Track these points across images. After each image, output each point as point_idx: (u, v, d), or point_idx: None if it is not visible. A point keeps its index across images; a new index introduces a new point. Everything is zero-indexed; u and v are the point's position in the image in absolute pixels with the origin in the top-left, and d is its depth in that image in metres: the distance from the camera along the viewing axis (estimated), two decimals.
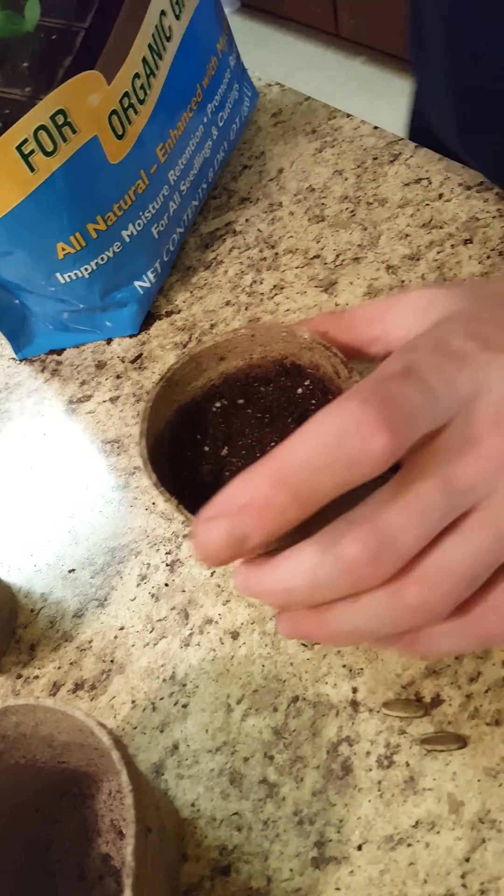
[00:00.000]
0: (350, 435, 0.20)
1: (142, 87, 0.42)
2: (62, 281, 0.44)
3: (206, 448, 0.33)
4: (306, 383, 0.33)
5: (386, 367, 0.23)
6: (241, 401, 0.34)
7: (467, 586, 0.23)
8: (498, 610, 0.23)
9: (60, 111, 0.37)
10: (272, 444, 0.32)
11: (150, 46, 0.42)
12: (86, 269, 0.44)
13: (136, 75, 0.41)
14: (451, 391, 0.22)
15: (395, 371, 0.22)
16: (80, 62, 0.37)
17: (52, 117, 0.37)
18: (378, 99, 2.07)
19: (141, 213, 0.45)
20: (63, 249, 0.42)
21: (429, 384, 0.22)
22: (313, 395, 0.33)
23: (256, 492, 0.21)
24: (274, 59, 2.37)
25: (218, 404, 0.34)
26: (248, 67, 0.59)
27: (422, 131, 0.59)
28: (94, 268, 0.44)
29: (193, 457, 0.33)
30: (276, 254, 0.50)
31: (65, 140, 0.38)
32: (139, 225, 0.45)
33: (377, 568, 0.22)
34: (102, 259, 0.44)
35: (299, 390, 0.33)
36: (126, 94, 0.41)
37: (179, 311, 0.50)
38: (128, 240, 0.45)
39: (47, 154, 0.38)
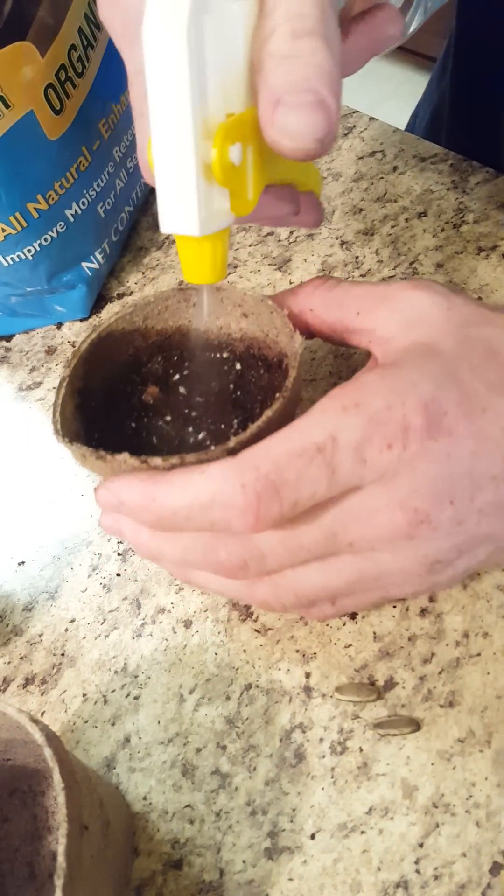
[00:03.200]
0: (218, 509, 0.23)
1: (79, 59, 0.40)
2: (5, 263, 0.43)
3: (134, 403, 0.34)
4: (226, 356, 0.34)
5: (306, 432, 0.23)
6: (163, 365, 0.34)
7: (307, 603, 0.28)
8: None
9: None
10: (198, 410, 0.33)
11: (86, 16, 0.40)
12: (29, 251, 0.42)
13: (73, 47, 0.39)
14: (366, 471, 0.23)
15: (309, 444, 0.23)
16: (9, 33, 0.35)
17: None
18: None
19: (85, 192, 0.43)
20: (3, 230, 0.41)
21: (335, 468, 0.23)
22: (239, 359, 0.34)
23: (131, 510, 0.25)
24: None
25: (149, 366, 0.34)
26: None
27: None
28: (38, 249, 0.43)
29: (122, 412, 0.33)
30: (230, 232, 0.49)
31: None
32: (83, 204, 0.44)
33: (241, 571, 0.26)
34: (46, 240, 0.43)
35: (224, 354, 0.34)
36: (62, 67, 0.39)
37: (131, 293, 0.48)
38: (72, 219, 0.43)
39: None
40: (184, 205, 0.21)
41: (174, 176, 0.21)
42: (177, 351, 0.34)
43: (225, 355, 0.34)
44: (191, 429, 0.32)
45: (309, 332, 0.30)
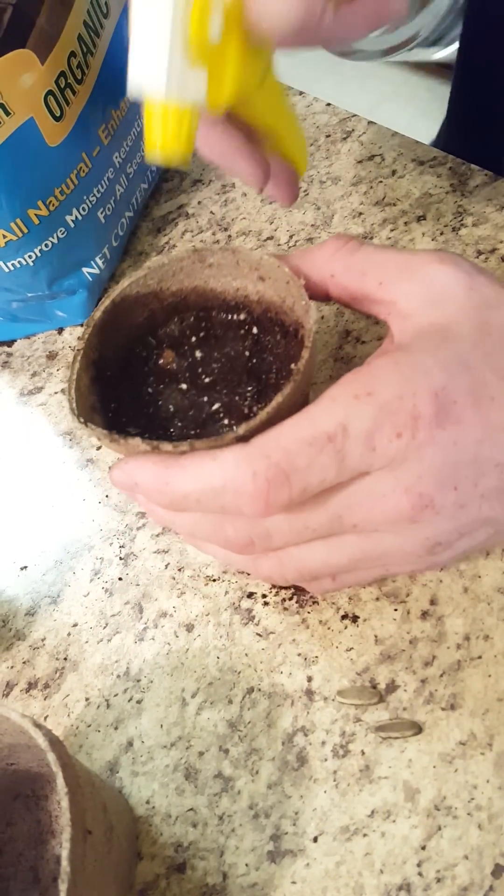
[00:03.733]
0: (229, 494, 0.24)
1: (79, 66, 0.40)
2: (6, 269, 0.43)
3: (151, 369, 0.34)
4: (243, 317, 0.34)
5: (317, 420, 0.24)
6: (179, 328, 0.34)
7: (309, 578, 0.29)
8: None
9: None
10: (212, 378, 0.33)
11: (85, 23, 0.40)
12: (30, 257, 0.43)
13: (72, 54, 0.40)
14: (375, 458, 0.23)
15: (319, 433, 0.23)
16: (9, 41, 0.36)
17: None
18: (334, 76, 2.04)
19: (85, 198, 0.44)
20: (4, 237, 0.41)
21: (345, 456, 0.23)
22: (255, 324, 0.33)
23: (146, 491, 0.26)
24: None
25: (165, 329, 0.34)
26: None
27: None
28: (39, 255, 0.43)
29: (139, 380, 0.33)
30: (230, 236, 0.49)
31: None
32: (84, 209, 0.44)
33: (247, 548, 0.27)
34: (47, 245, 0.43)
35: (242, 316, 0.34)
36: (62, 74, 0.39)
37: None
38: (73, 225, 0.43)
39: None
40: (153, 62, 0.22)
41: (147, 34, 0.21)
42: (192, 312, 0.34)
43: (242, 317, 0.33)
44: (206, 398, 0.32)
45: (328, 297, 0.30)
